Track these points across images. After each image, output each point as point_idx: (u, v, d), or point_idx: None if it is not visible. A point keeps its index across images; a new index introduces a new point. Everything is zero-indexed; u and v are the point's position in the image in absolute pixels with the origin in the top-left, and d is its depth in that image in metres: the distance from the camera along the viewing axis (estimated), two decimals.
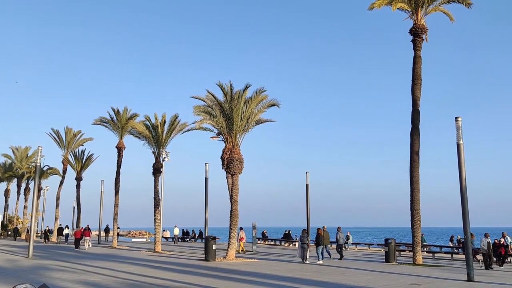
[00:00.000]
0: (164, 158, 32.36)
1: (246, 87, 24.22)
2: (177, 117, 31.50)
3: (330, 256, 24.45)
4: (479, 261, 21.41)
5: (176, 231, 45.68)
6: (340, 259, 24.01)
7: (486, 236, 18.88)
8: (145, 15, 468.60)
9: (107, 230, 48.12)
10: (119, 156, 37.82)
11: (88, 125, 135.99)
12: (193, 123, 27.38)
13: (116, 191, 37.46)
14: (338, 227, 25.55)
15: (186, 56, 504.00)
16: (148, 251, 30.19)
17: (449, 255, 28.27)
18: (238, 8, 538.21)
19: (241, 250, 29.60)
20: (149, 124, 31.79)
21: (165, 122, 31.74)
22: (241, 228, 30.53)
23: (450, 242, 33.59)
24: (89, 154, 48.77)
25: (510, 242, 25.45)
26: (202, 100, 25.11)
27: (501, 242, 24.35)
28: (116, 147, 37.92)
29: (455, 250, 29.85)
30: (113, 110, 37.73)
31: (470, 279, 15.00)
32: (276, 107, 25.38)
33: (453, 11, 24.13)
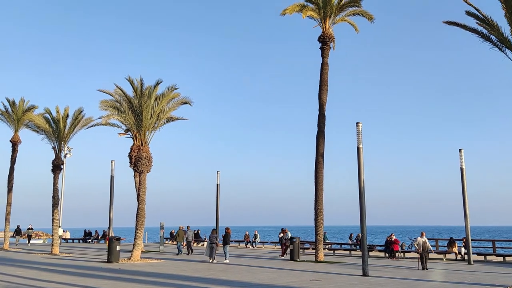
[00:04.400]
0: (66, 154, 30.41)
1: (157, 83, 23.66)
2: (81, 111, 29.75)
3: (182, 252, 27.32)
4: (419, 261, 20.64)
5: (60, 232, 42.97)
6: (191, 253, 27.14)
7: (421, 235, 19.66)
8: (55, 6, 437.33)
9: (18, 232, 43.07)
10: (14, 151, 34.75)
11: None
12: (99, 118, 26.09)
13: (9, 189, 34.37)
14: (188, 226, 28.18)
15: (96, 49, 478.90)
16: (45, 253, 28.12)
17: (348, 252, 30.06)
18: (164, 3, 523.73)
19: None
20: (49, 117, 29.63)
21: (67, 115, 29.80)
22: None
23: (349, 240, 35.74)
24: None
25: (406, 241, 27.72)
26: (110, 95, 24.04)
27: (393, 239, 26.51)
28: (10, 141, 34.82)
29: (354, 247, 31.81)
30: (8, 100, 34.59)
31: (365, 274, 16.10)
32: (189, 105, 25.13)
33: (360, 23, 25.78)
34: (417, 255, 26.69)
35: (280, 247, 28.68)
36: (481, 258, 24.84)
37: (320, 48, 24.68)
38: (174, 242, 31.69)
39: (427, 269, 18.54)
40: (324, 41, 24.53)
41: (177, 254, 26.82)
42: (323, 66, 24.55)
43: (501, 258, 24.23)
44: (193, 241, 28.71)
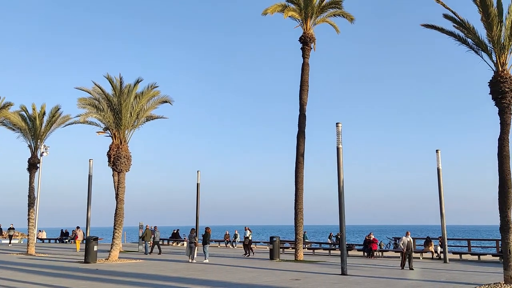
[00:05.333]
0: (43, 152, 29.80)
1: (137, 82, 23.41)
2: (58, 108, 29.17)
3: (149, 252, 27.62)
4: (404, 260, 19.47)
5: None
6: (159, 253, 27.20)
7: (407, 234, 19.26)
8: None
9: None
10: None
11: None
12: (77, 116, 25.66)
13: None
14: (155, 227, 28.44)
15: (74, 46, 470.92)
16: (20, 253, 27.51)
17: (327, 251, 30.28)
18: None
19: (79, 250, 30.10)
20: (25, 115, 28.99)
21: (44, 113, 29.19)
22: (78, 227, 32.57)
23: (328, 239, 36.02)
24: None
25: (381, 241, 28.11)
26: (88, 92, 23.71)
27: (371, 239, 26.83)
28: None
29: (333, 247, 32.08)
30: None
31: (343, 272, 16.26)
32: (169, 104, 24.92)
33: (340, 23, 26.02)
34: (395, 254, 27.19)
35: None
36: (457, 257, 25.33)
37: (301, 48, 24.79)
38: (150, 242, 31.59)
39: (412, 268, 18.42)
40: (305, 41, 24.66)
41: (145, 254, 27.10)
42: (304, 67, 24.67)
43: (476, 257, 24.77)
44: (160, 241, 29.18)
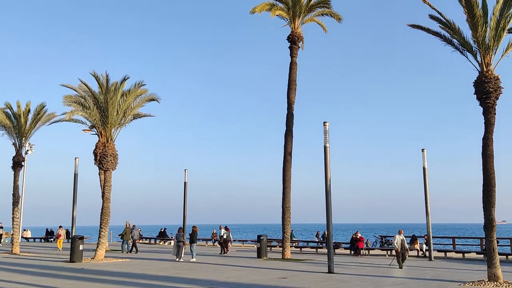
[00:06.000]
0: (28, 150, 29.42)
1: (124, 79, 23.19)
2: (43, 106, 28.80)
3: (127, 251, 27.70)
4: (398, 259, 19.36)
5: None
6: (136, 252, 27.34)
7: (400, 233, 19.11)
8: None
9: None
10: None
11: None
12: (63, 114, 25.38)
13: None
14: (133, 225, 28.70)
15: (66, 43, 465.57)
16: (4, 252, 27.13)
17: (315, 250, 30.43)
18: None
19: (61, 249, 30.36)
20: (10, 112, 28.57)
21: (29, 111, 28.80)
22: (60, 226, 32.79)
23: (316, 237, 36.19)
24: None
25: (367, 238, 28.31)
26: (74, 90, 23.44)
27: (358, 237, 27.02)
28: None
29: (320, 245, 32.24)
30: None
31: (330, 271, 16.34)
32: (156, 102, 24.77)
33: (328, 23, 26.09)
34: (382, 252, 27.43)
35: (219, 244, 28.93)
36: (442, 254, 25.67)
37: (289, 47, 24.82)
38: (140, 241, 31.44)
39: (401, 267, 18.30)
40: (293, 40, 24.69)
41: (122, 252, 27.29)
42: (292, 66, 24.70)
43: (460, 255, 25.12)
44: (138, 239, 29.32)
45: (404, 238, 19.24)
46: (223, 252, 26.95)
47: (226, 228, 28.11)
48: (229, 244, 28.42)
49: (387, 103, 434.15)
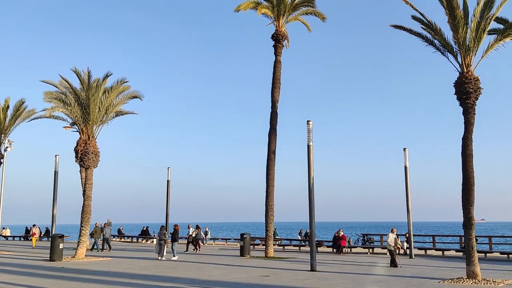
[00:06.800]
0: (7, 147, 28.80)
1: (107, 76, 22.94)
2: (23, 102, 28.33)
3: (99, 249, 27.45)
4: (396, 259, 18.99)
5: None
6: (109, 250, 27.25)
7: (392, 231, 18.96)
8: None
9: None
10: None
11: None
12: (43, 111, 24.93)
13: None
14: (104, 224, 29.08)
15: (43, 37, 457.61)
16: None
17: (297, 248, 30.55)
18: None
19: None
20: None
21: (8, 107, 28.29)
22: (34, 225, 33.13)
23: (299, 236, 36.34)
24: None
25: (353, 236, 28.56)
26: (55, 86, 23.04)
27: (341, 235, 27.22)
28: None
29: (303, 243, 32.38)
30: None
31: (312, 269, 16.44)
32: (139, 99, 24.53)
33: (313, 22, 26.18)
34: (363, 250, 27.69)
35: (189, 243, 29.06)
36: (422, 252, 26.02)
37: (274, 46, 24.84)
38: (122, 240, 31.10)
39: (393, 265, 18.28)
40: (278, 39, 24.72)
41: (91, 250, 27.04)
42: (276, 64, 24.73)
43: (440, 253, 25.51)
44: (110, 238, 29.00)
45: (396, 236, 19.04)
46: (191, 250, 27.45)
47: (197, 227, 28.47)
48: (200, 242, 28.52)
49: (370, 102, 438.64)
